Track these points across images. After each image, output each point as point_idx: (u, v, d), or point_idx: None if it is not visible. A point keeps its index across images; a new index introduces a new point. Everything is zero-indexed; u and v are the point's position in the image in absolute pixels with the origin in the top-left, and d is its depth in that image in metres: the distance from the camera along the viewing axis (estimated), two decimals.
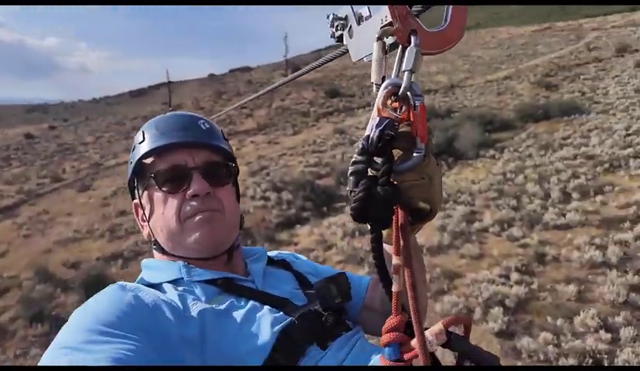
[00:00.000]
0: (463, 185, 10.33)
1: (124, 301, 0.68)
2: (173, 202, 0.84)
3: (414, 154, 0.55)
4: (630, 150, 9.79)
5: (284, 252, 1.09)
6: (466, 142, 13.99)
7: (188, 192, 0.83)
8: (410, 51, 0.55)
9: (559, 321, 4.49)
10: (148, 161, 0.87)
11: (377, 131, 0.54)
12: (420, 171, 0.58)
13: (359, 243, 7.94)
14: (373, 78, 0.59)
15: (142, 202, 0.90)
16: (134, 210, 0.94)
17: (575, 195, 7.98)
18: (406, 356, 0.56)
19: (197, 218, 0.83)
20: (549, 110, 16.07)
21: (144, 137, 0.88)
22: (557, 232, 6.76)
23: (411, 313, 0.53)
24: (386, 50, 0.60)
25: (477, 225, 7.60)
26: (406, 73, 0.55)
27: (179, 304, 0.73)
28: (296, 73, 1.32)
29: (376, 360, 0.71)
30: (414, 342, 0.55)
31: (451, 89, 26.94)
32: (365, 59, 0.65)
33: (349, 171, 0.57)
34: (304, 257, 1.09)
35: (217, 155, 0.90)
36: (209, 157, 0.88)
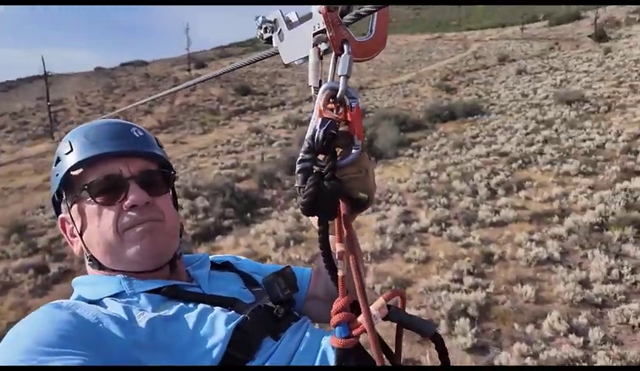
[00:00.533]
0: (390, 185, 10.16)
1: (62, 319, 0.64)
2: (109, 214, 0.79)
3: (353, 151, 0.62)
4: (535, 147, 10.62)
5: (226, 255, 1.07)
6: (385, 142, 14.07)
7: (126, 203, 0.78)
8: (345, 58, 0.61)
9: (528, 328, 4.25)
10: (78, 172, 0.81)
11: (322, 130, 0.59)
12: (358, 165, 0.64)
13: (295, 254, 7.13)
14: (311, 81, 0.64)
15: (72, 215, 0.83)
16: (59, 225, 0.88)
17: (500, 191, 8.24)
18: (355, 332, 0.61)
19: (137, 229, 0.78)
20: (454, 111, 17.11)
21: (71, 148, 0.81)
22: (494, 229, 6.77)
23: (357, 292, 0.59)
24: (321, 56, 0.65)
25: (415, 226, 7.33)
26: (342, 77, 0.60)
27: (124, 315, 0.69)
28: (219, 71, 1.19)
29: (327, 340, 0.74)
30: (361, 318, 0.60)
31: (360, 90, 27.56)
32: (296, 62, 0.69)
33: (297, 169, 0.61)
34: (245, 258, 1.08)
35: (153, 163, 0.86)
36: (146, 165, 0.84)
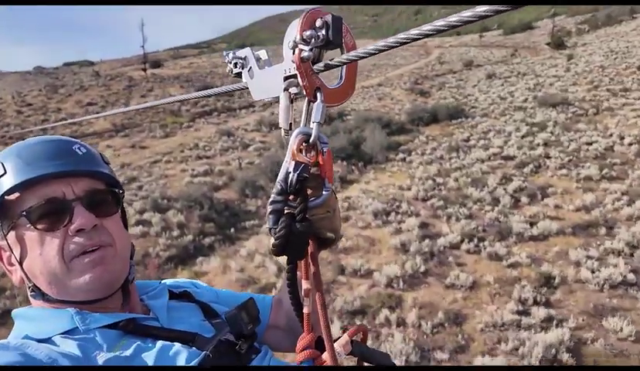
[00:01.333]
0: (393, 192, 9.15)
1: (10, 360, 0.58)
2: (53, 241, 0.72)
3: (324, 193, 0.65)
4: (539, 151, 10.07)
5: (182, 280, 1.01)
6: (373, 145, 13.10)
7: (72, 227, 0.72)
8: (318, 106, 0.64)
9: None
10: (14, 197, 0.73)
11: (295, 174, 0.62)
12: (327, 206, 0.67)
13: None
14: (282, 124, 0.67)
15: (9, 243, 0.75)
16: None
17: (524, 198, 7.45)
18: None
19: (87, 257, 0.72)
20: (436, 114, 16.53)
21: (4, 170, 0.73)
22: (537, 244, 5.90)
23: (323, 330, 0.63)
24: (292, 100, 0.67)
25: (442, 241, 6.32)
26: (315, 124, 0.64)
27: (80, 355, 0.65)
28: (191, 95, 1.24)
29: None
30: (325, 356, 0.63)
31: None
32: (266, 99, 0.73)
33: (269, 210, 0.63)
34: (203, 283, 1.01)
35: (100, 182, 0.79)
36: (91, 185, 0.77)
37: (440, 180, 9.33)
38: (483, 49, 44.91)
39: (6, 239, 0.74)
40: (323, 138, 0.66)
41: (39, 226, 0.71)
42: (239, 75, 0.75)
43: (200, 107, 23.45)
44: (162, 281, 0.95)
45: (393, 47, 0.52)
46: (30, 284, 0.75)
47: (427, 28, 0.48)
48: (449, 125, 15.52)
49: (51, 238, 0.71)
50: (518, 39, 48.29)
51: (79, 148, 0.78)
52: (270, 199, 0.63)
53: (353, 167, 12.45)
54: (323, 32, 0.62)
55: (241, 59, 0.75)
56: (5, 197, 0.72)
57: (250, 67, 0.74)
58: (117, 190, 0.82)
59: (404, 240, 6.44)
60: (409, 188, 9.17)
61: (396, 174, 11.02)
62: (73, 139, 0.81)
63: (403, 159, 12.25)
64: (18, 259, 0.74)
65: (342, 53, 0.66)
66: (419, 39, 0.49)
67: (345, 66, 0.67)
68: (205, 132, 18.46)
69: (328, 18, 0.62)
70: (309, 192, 0.65)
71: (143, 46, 31.46)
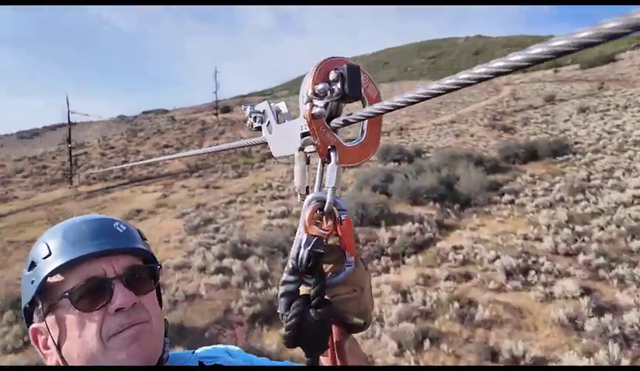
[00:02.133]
0: (517, 242, 7.43)
1: None
2: (93, 322, 0.71)
3: (346, 268, 0.57)
4: None
5: (216, 348, 0.92)
6: (468, 185, 11.45)
7: (111, 307, 0.71)
8: (332, 169, 0.57)
9: None
10: (56, 278, 0.72)
11: (306, 250, 0.55)
12: (352, 283, 0.58)
13: (432, 356, 4.36)
14: (297, 188, 0.61)
15: (47, 326, 0.73)
16: (31, 336, 0.77)
17: None
18: None
19: (124, 334, 0.71)
20: (536, 150, 14.58)
21: (49, 251, 0.73)
22: None
23: None
24: (308, 159, 0.62)
25: (631, 317, 4.53)
26: (329, 190, 0.57)
27: None
28: (222, 146, 1.33)
29: None
30: None
31: (402, 131, 25.46)
32: (284, 156, 0.69)
33: (280, 293, 0.56)
34: (236, 349, 0.93)
35: (138, 259, 0.80)
36: (131, 262, 0.77)
37: (579, 228, 7.47)
38: (561, 83, 41.78)
39: (45, 322, 0.73)
40: (341, 205, 0.59)
41: (79, 307, 0.71)
42: (259, 129, 0.73)
43: (269, 148, 23.28)
44: (195, 352, 0.88)
45: (423, 99, 0.44)
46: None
47: (462, 76, 0.40)
48: (554, 162, 13.49)
49: (90, 318, 0.71)
50: (600, 72, 44.53)
51: (119, 226, 0.79)
52: (282, 279, 0.57)
53: (448, 209, 10.86)
54: (338, 85, 0.55)
55: (260, 113, 0.72)
56: (48, 279, 0.72)
57: (269, 121, 0.71)
58: (154, 266, 0.82)
59: (571, 314, 4.75)
60: (539, 239, 7.42)
61: (510, 219, 9.26)
62: (114, 217, 0.82)
63: (511, 201, 10.46)
64: (56, 342, 0.72)
65: (364, 106, 0.59)
66: (454, 89, 0.41)
67: (367, 121, 0.61)
68: (277, 172, 17.90)
69: (344, 69, 0.55)
70: (328, 267, 0.58)
71: (215, 92, 32.91)
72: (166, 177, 19.65)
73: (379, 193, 11.45)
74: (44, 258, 0.73)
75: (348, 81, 0.55)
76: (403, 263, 8.12)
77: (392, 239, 8.92)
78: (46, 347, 0.75)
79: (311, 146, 0.60)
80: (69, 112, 19.63)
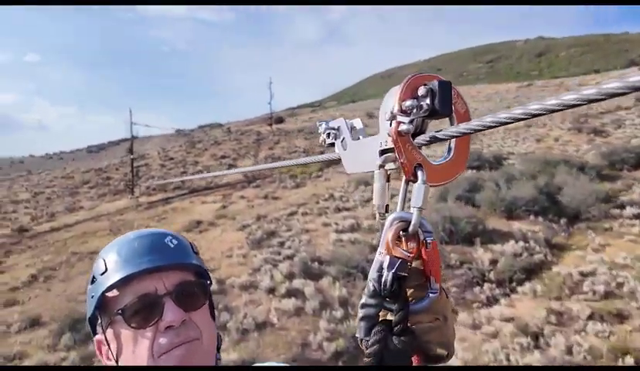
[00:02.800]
0: None
1: None
2: (144, 339, 0.73)
3: (430, 295, 0.54)
4: None
5: (272, 365, 0.92)
6: (576, 195, 9.56)
7: (161, 324, 0.73)
8: (419, 188, 0.54)
9: None
10: (112, 294, 0.76)
11: (390, 273, 0.52)
12: (435, 312, 0.55)
13: None
14: (376, 207, 0.59)
15: (107, 338, 0.77)
16: (96, 347, 0.82)
17: None
18: None
19: (174, 353, 0.72)
20: None
21: (105, 267, 0.77)
22: None
23: None
24: (389, 177, 0.60)
25: None
26: (415, 210, 0.54)
27: None
28: (284, 162, 1.37)
29: None
30: None
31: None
32: (360, 173, 0.68)
33: (359, 316, 0.55)
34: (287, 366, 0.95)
35: (190, 274, 0.81)
36: (182, 278, 0.78)
37: None
38: None
39: (105, 335, 0.76)
40: (426, 226, 0.56)
41: (132, 324, 0.73)
42: (332, 145, 0.72)
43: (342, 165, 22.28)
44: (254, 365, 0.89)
45: (519, 119, 0.42)
46: None
47: (551, 102, 0.39)
48: None
49: (142, 335, 0.72)
50: None
51: (171, 241, 0.80)
52: (361, 301, 0.55)
53: (553, 224, 9.06)
54: (427, 101, 0.53)
55: (334, 129, 0.72)
56: (106, 294, 0.75)
57: (344, 138, 0.70)
58: (205, 281, 0.83)
59: None
60: None
61: None
62: (167, 231, 0.83)
63: (637, 216, 8.48)
64: (114, 356, 0.75)
65: (452, 123, 0.57)
66: (540, 115, 0.40)
67: (455, 139, 0.58)
68: (337, 182, 16.78)
69: (434, 84, 0.53)
70: (409, 292, 0.55)
71: (270, 103, 32.75)
72: (224, 187, 19.25)
73: (464, 204, 9.88)
74: (101, 274, 0.76)
75: (439, 97, 0.52)
76: (514, 291, 6.55)
77: (493, 262, 7.37)
78: (109, 358, 0.76)
79: (391, 164, 0.59)
80: (131, 124, 20.02)
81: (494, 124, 0.46)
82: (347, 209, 12.55)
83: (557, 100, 0.38)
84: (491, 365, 3.32)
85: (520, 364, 4.43)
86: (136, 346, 0.73)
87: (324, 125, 0.74)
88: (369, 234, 9.94)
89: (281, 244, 9.77)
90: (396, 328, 0.52)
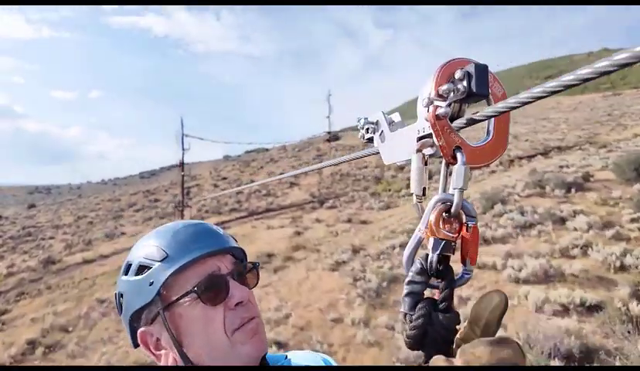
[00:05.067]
0: None
1: None
2: (217, 315, 0.74)
3: (465, 275, 0.55)
4: None
5: (312, 355, 0.91)
6: None
7: (231, 301, 0.75)
8: (459, 169, 0.55)
9: None
10: (177, 277, 0.74)
11: (435, 254, 0.54)
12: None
13: None
14: (414, 189, 0.60)
15: (167, 325, 0.73)
16: (140, 340, 0.77)
17: None
18: None
19: (247, 327, 0.75)
20: None
21: (166, 253, 0.75)
22: None
23: None
24: (426, 161, 0.61)
25: None
26: (456, 191, 0.54)
27: None
28: (328, 162, 1.19)
29: None
30: None
31: (593, 145, 18.48)
32: (398, 163, 0.67)
33: (405, 292, 0.55)
34: (334, 362, 0.92)
35: (239, 258, 0.84)
36: (235, 261, 0.81)
37: None
38: None
39: (163, 321, 0.74)
40: (470, 210, 0.54)
41: (206, 301, 0.73)
42: (370, 140, 0.72)
43: (408, 171, 18.14)
44: (288, 357, 0.88)
45: (553, 92, 0.43)
46: (182, 365, 0.74)
47: (585, 71, 0.40)
48: None
49: (214, 312, 0.73)
50: None
51: (217, 228, 0.82)
52: (408, 278, 0.55)
53: None
54: (464, 83, 0.54)
55: (373, 123, 0.71)
56: (172, 277, 0.73)
57: (382, 131, 0.70)
58: (256, 263, 0.85)
59: None
60: None
61: None
62: (208, 223, 0.84)
63: None
64: (174, 341, 0.73)
65: (489, 105, 0.57)
66: (578, 84, 0.41)
67: (494, 119, 0.58)
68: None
69: (470, 67, 0.54)
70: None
71: (329, 117, 29.33)
72: (289, 209, 15.59)
73: None
74: (162, 260, 0.74)
75: (475, 79, 0.53)
76: None
77: None
78: (158, 348, 0.76)
79: (429, 149, 0.58)
80: (182, 135, 17.21)
81: (530, 100, 0.45)
82: (489, 241, 8.30)
83: (590, 69, 0.39)
84: None
85: None
86: (208, 324, 0.72)
87: (363, 120, 0.72)
88: (567, 281, 5.66)
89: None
90: (441, 305, 0.53)
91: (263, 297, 7.25)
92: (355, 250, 8.86)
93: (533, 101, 0.45)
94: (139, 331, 0.76)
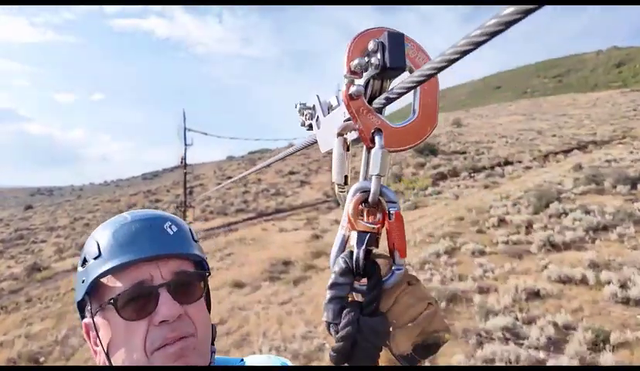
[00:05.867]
0: None
1: None
2: (138, 331, 0.66)
3: (395, 272, 0.49)
4: None
5: (265, 357, 0.85)
6: None
7: (155, 318, 0.66)
8: (376, 154, 0.49)
9: None
10: (106, 280, 0.69)
11: (360, 250, 0.48)
12: (422, 296, 0.50)
13: None
14: (334, 177, 0.54)
15: (96, 323, 0.69)
16: (84, 330, 0.73)
17: None
18: None
19: (168, 351, 0.66)
20: None
21: (99, 252, 0.69)
22: None
23: None
24: (348, 146, 0.55)
25: None
26: (373, 177, 0.50)
27: None
28: (269, 160, 1.23)
29: None
30: None
31: (634, 139, 16.99)
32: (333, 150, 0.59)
33: (328, 298, 0.49)
34: (289, 363, 0.86)
35: (189, 263, 0.73)
36: (179, 267, 0.71)
37: None
38: None
39: (93, 320, 0.70)
40: (389, 195, 0.50)
41: (124, 315, 0.67)
42: (311, 127, 0.65)
43: (433, 167, 16.67)
44: (243, 359, 0.83)
45: (464, 53, 0.37)
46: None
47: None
48: None
49: (136, 327, 0.66)
50: None
51: (170, 226, 0.73)
52: (330, 281, 0.49)
53: None
54: (378, 55, 0.47)
55: (310, 108, 0.65)
56: (99, 280, 0.68)
57: (317, 117, 0.63)
58: (205, 272, 0.76)
59: None
60: None
61: None
62: (166, 215, 0.75)
63: None
64: (103, 345, 0.69)
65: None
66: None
67: (419, 95, 0.52)
68: (476, 200, 11.12)
69: (384, 36, 0.47)
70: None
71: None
72: (302, 209, 14.16)
73: None
74: (95, 259, 0.69)
75: (389, 50, 0.47)
76: None
77: None
78: (96, 344, 0.71)
79: (353, 132, 0.52)
80: (185, 129, 15.81)
81: (444, 64, 0.39)
82: (559, 248, 6.80)
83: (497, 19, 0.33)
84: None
85: None
86: (128, 338, 0.66)
87: (299, 105, 0.65)
88: None
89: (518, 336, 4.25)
90: (368, 308, 0.47)
91: (284, 319, 5.81)
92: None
93: (447, 65, 0.38)
94: (83, 322, 0.73)
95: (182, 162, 15.84)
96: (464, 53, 0.36)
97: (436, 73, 0.41)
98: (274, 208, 15.07)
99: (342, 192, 0.53)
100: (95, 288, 0.68)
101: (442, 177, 15.06)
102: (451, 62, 0.38)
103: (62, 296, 8.61)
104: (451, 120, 33.08)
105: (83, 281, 0.69)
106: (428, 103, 0.52)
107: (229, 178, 22.93)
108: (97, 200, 26.63)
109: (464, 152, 18.48)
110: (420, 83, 0.44)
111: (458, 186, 13.06)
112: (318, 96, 0.63)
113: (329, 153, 0.59)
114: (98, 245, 0.69)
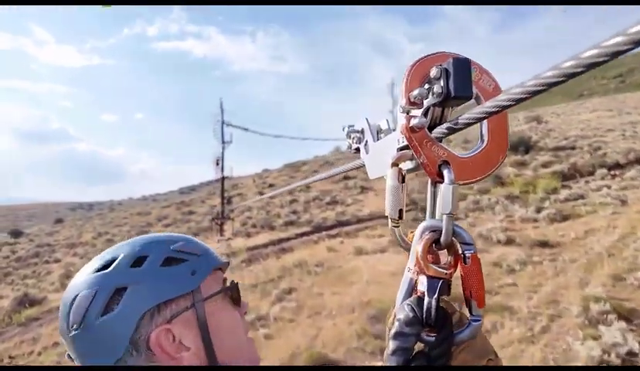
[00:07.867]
0: None
1: None
2: (240, 320, 0.74)
3: (472, 323, 0.45)
4: None
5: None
6: None
7: (242, 309, 0.76)
8: (446, 190, 0.45)
9: None
10: (216, 274, 0.73)
11: (433, 298, 0.44)
12: (484, 350, 0.47)
13: None
14: (388, 211, 0.51)
15: (200, 322, 0.67)
16: (154, 340, 0.65)
17: None
18: None
19: (248, 335, 0.75)
20: None
21: (201, 251, 0.72)
22: None
23: None
24: (404, 177, 0.51)
25: None
26: (445, 216, 0.45)
27: None
28: (315, 177, 1.22)
29: None
30: None
31: None
32: (385, 177, 0.56)
33: (391, 349, 0.45)
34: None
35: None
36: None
37: None
38: None
39: (170, 324, 0.66)
40: (464, 237, 0.45)
41: (237, 304, 0.73)
42: (358, 151, 0.63)
43: (542, 166, 12.74)
44: None
45: (551, 85, 0.34)
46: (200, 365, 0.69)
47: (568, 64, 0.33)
48: None
49: (238, 316, 0.73)
50: None
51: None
52: (394, 330, 0.45)
53: None
54: (441, 83, 0.43)
55: (358, 132, 0.63)
56: (213, 271, 0.71)
57: (367, 141, 0.61)
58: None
59: None
60: None
61: None
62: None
63: None
64: (207, 340, 0.68)
65: (478, 105, 0.46)
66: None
67: (487, 122, 0.48)
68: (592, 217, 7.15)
69: (448, 63, 0.43)
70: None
71: (392, 112, 24.60)
72: (371, 220, 10.65)
73: None
74: (200, 255, 0.70)
75: (454, 77, 0.43)
76: None
77: None
78: (179, 350, 0.66)
79: (408, 162, 0.50)
80: (222, 123, 12.92)
81: (525, 96, 0.37)
82: None
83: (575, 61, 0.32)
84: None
85: None
86: (236, 326, 0.72)
87: (347, 128, 0.63)
88: None
89: None
90: (437, 362, 0.43)
91: None
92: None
93: (529, 97, 0.36)
94: (157, 330, 0.63)
95: (217, 164, 12.96)
96: (534, 93, 0.34)
97: (513, 105, 0.37)
98: (334, 219, 11.68)
99: (395, 226, 0.49)
100: (204, 282, 0.68)
101: (563, 177, 11.13)
102: (533, 94, 0.34)
103: (38, 355, 5.50)
104: (521, 118, 28.64)
105: (193, 273, 0.67)
106: (498, 128, 0.48)
107: (271, 186, 19.83)
108: (127, 213, 24.35)
109: (573, 148, 14.37)
110: (491, 114, 0.40)
111: (608, 187, 9.13)
112: (367, 119, 0.60)
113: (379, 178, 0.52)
114: (195, 245, 0.70)
